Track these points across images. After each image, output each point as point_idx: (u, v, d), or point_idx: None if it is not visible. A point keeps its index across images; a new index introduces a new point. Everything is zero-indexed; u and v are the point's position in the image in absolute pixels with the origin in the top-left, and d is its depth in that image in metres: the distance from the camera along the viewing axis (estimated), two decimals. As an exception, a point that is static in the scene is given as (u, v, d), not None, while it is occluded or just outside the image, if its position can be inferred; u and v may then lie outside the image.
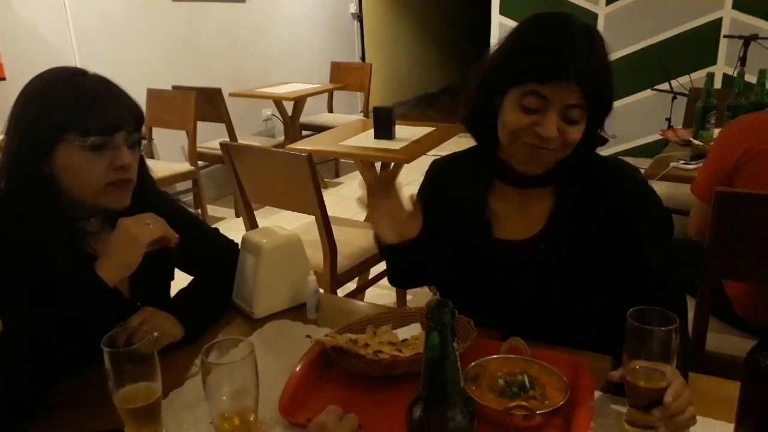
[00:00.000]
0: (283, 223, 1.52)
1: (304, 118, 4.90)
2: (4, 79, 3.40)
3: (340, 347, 1.05)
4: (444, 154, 1.36)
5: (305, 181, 2.12)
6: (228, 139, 4.08)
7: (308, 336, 1.22)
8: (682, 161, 2.37)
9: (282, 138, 4.86)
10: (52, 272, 1.06)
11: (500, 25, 5.35)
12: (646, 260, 1.12)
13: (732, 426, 0.87)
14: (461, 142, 1.44)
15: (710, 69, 4.36)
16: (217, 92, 4.12)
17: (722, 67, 4.63)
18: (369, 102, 5.17)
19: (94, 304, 1.05)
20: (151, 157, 4.16)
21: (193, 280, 1.36)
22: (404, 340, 1.10)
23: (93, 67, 1.16)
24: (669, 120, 3.81)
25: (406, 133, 3.06)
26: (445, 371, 0.68)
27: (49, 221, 1.08)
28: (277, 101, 4.64)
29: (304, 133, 4.78)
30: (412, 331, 1.16)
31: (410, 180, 2.02)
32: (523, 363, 1.02)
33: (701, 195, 1.76)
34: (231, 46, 4.90)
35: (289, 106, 4.68)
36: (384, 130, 2.99)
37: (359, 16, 6.55)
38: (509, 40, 1.11)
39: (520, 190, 1.20)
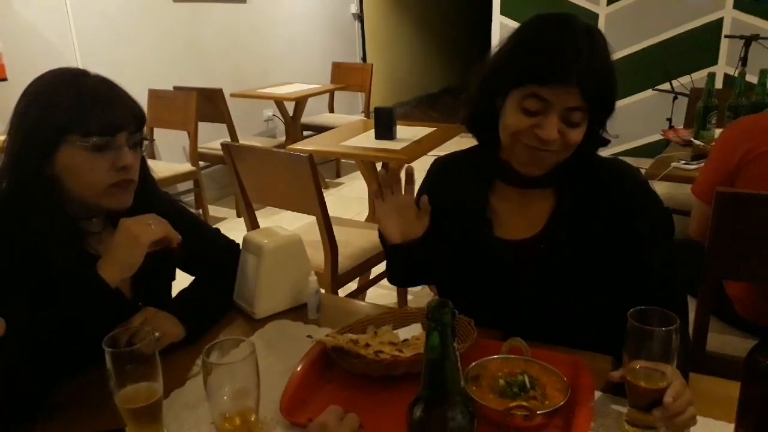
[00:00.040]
0: (284, 223, 1.53)
1: (305, 119, 4.90)
2: (5, 79, 3.40)
3: (341, 347, 1.05)
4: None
5: (306, 181, 2.12)
6: (229, 140, 4.08)
7: (309, 336, 1.22)
8: (683, 161, 2.37)
9: (283, 138, 4.87)
10: (54, 272, 1.06)
11: (501, 26, 5.35)
12: (647, 260, 1.12)
13: (732, 426, 0.87)
14: (462, 143, 1.44)
15: (711, 69, 4.36)
16: (218, 93, 4.13)
17: (723, 67, 4.63)
18: (370, 102, 5.18)
19: (95, 304, 1.05)
20: (153, 157, 4.17)
21: (194, 280, 1.36)
22: (405, 341, 1.10)
23: (94, 67, 1.16)
24: (670, 120, 3.81)
25: (407, 133, 3.07)
26: (446, 371, 0.69)
27: (51, 222, 1.08)
28: (279, 102, 4.64)
29: (305, 133, 4.78)
30: (413, 331, 1.16)
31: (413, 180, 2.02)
32: (524, 363, 1.02)
33: (702, 195, 1.76)
34: (232, 46, 4.91)
35: (290, 107, 4.69)
36: (385, 131, 2.99)
37: (360, 17, 6.55)
38: (511, 42, 1.11)
39: (521, 190, 1.20)
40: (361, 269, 2.45)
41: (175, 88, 4.16)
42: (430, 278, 1.47)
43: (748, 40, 3.44)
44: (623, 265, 1.13)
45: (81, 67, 1.18)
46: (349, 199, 4.65)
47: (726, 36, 4.49)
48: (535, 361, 1.02)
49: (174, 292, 1.32)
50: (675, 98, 3.78)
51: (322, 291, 1.38)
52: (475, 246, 1.22)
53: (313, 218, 2.24)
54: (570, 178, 1.16)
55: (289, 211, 2.47)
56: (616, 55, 1.09)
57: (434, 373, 0.69)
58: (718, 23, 4.64)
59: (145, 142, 1.16)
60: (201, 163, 4.06)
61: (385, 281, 2.58)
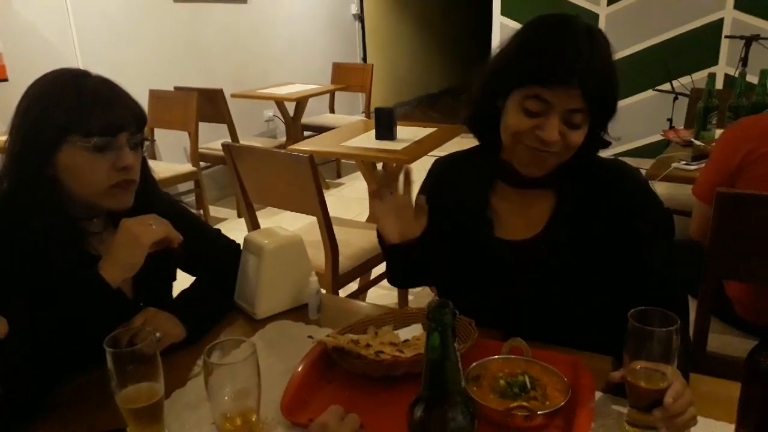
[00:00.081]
0: (285, 223, 1.53)
1: (305, 119, 4.91)
2: (6, 80, 3.41)
3: (341, 348, 1.05)
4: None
5: (307, 181, 2.12)
6: (230, 140, 4.08)
7: (310, 336, 1.22)
8: (684, 162, 2.37)
9: (284, 139, 4.87)
10: (55, 273, 1.06)
11: (501, 26, 5.35)
12: (647, 261, 1.12)
13: (733, 427, 0.87)
14: (463, 143, 1.44)
15: (712, 69, 4.35)
16: (218, 93, 4.13)
17: (724, 68, 4.63)
18: (370, 103, 5.18)
19: (96, 304, 1.05)
20: (153, 158, 4.17)
21: (195, 280, 1.36)
22: (405, 341, 1.11)
23: (95, 68, 1.17)
24: (670, 120, 3.81)
25: (407, 133, 3.07)
26: (446, 372, 0.69)
27: (52, 222, 1.08)
28: (279, 102, 4.65)
29: (305, 133, 4.78)
30: (414, 331, 1.16)
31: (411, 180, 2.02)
32: (524, 363, 1.02)
33: (703, 196, 1.75)
34: (232, 46, 4.91)
35: (290, 107, 4.69)
36: (385, 131, 2.99)
37: (360, 17, 6.55)
38: (512, 42, 1.12)
39: (522, 191, 1.20)
40: (361, 269, 2.45)
41: (175, 88, 4.16)
42: (429, 279, 1.47)
43: (749, 41, 3.43)
44: (623, 265, 1.13)
45: (81, 67, 1.19)
46: (349, 199, 4.65)
47: (726, 36, 4.49)
48: (535, 362, 1.02)
49: (175, 293, 1.32)
50: (675, 98, 3.78)
51: (323, 291, 1.38)
52: (475, 246, 1.22)
53: (313, 218, 2.24)
54: (570, 178, 1.17)
55: (289, 212, 2.47)
56: (617, 56, 1.09)
57: (435, 374, 0.69)
58: (719, 23, 4.64)
59: (146, 143, 1.16)
60: (202, 163, 4.06)
61: (385, 282, 2.57)
